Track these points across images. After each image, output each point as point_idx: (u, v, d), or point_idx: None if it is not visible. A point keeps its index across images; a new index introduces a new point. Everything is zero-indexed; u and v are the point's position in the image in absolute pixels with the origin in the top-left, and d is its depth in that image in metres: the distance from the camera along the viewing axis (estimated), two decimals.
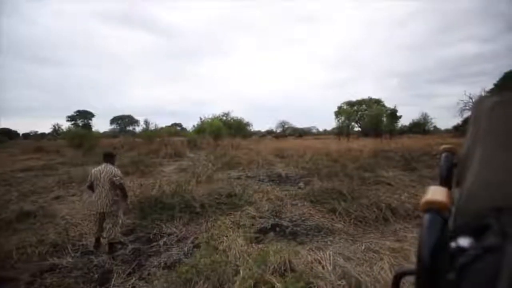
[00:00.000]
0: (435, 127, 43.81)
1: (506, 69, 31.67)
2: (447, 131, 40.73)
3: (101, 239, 3.85)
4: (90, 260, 3.48)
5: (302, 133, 48.24)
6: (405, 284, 0.85)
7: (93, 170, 3.84)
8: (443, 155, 1.14)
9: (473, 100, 29.11)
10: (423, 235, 0.50)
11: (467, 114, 30.20)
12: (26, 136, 50.68)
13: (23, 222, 4.71)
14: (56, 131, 41.07)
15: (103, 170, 3.74)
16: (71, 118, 55.97)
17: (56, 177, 8.63)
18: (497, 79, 31.93)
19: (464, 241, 0.50)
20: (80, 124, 52.78)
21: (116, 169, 3.84)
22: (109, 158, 3.92)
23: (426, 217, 0.52)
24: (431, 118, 42.00)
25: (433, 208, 0.52)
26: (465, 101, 30.39)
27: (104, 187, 3.68)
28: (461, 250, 0.48)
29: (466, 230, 0.53)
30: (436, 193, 0.57)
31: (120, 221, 4.46)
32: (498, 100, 0.62)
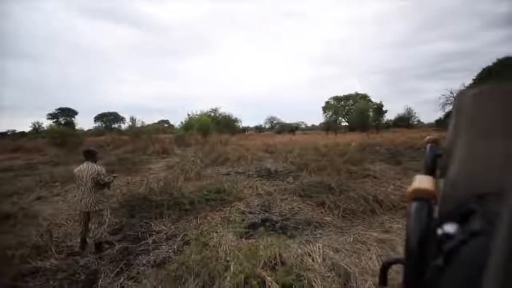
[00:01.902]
0: (418, 121, 45.33)
1: (484, 65, 33.01)
2: (430, 125, 42.16)
3: (87, 239, 3.74)
4: (76, 261, 3.37)
5: (294, 129, 48.34)
6: (390, 273, 0.87)
7: (75, 170, 3.70)
8: (428, 146, 1.17)
9: (454, 95, 30.21)
10: (411, 223, 0.50)
11: (448, 108, 31.35)
12: (3, 135, 48.26)
13: (2, 224, 4.50)
14: (37, 130, 39.46)
15: (85, 169, 3.61)
16: (52, 116, 53.76)
17: (38, 177, 8.29)
18: (476, 74, 33.25)
19: (449, 228, 0.50)
20: (62, 122, 50.87)
21: (99, 166, 3.72)
22: (90, 155, 3.78)
23: (414, 205, 0.52)
24: (415, 113, 43.45)
25: (421, 196, 0.53)
26: (446, 96, 31.49)
27: (87, 186, 3.56)
28: (447, 236, 0.49)
29: (451, 216, 0.54)
30: (422, 181, 0.58)
31: (107, 220, 4.35)
32: (478, 93, 0.63)
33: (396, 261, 0.94)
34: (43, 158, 13.79)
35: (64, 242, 3.89)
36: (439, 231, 0.51)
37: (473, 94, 0.65)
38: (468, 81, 33.45)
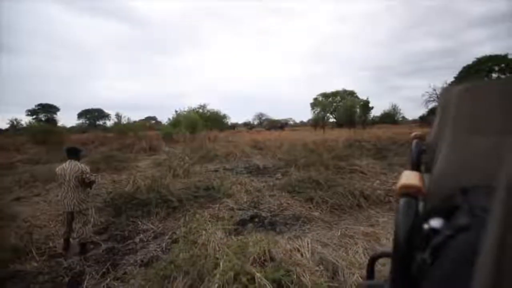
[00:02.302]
0: (403, 117, 46.78)
1: (464, 63, 34.45)
2: (414, 121, 43.56)
3: (71, 240, 3.62)
4: (59, 263, 3.26)
5: (283, 125, 48.82)
6: (377, 265, 0.90)
7: (57, 169, 3.57)
8: (414, 142, 1.19)
9: (437, 92, 31.34)
10: (400, 219, 0.51)
11: (431, 105, 32.50)
12: None
13: None
14: (15, 127, 37.81)
15: (68, 167, 3.48)
16: (31, 112, 51.48)
17: (17, 177, 7.93)
18: (457, 72, 34.65)
19: (435, 222, 0.51)
20: (43, 119, 48.89)
21: (82, 165, 3.60)
22: (73, 154, 3.65)
23: (402, 201, 0.53)
24: (400, 109, 44.82)
25: (409, 192, 0.53)
26: (429, 93, 32.62)
27: (70, 185, 3.44)
28: (433, 231, 0.50)
29: (437, 211, 0.55)
30: (410, 177, 0.58)
31: (92, 220, 4.23)
32: (464, 89, 0.64)
33: (383, 255, 0.95)
34: (23, 157, 13.20)
35: (45, 244, 3.74)
36: (425, 226, 0.52)
37: (458, 91, 0.65)
38: (450, 78, 34.90)
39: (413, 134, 1.26)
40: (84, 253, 3.47)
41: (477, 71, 31.96)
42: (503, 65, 31.54)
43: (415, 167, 1.07)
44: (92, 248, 3.64)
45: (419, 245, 0.49)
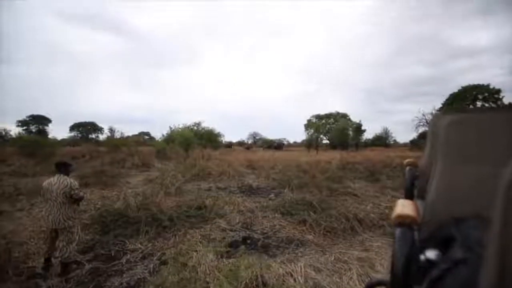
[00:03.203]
0: (395, 140, 47.82)
1: (450, 91, 36.15)
2: (405, 144, 44.51)
3: (52, 259, 3.44)
4: (38, 285, 3.07)
5: (281, 145, 49.17)
6: None
7: (44, 183, 3.46)
8: (407, 169, 1.22)
9: (426, 117, 32.39)
10: (396, 249, 0.52)
11: (421, 129, 33.47)
12: None
13: None
14: (3, 137, 36.98)
15: (55, 182, 3.38)
16: (22, 123, 50.63)
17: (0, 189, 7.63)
18: (444, 98, 36.26)
19: (431, 254, 0.52)
20: (34, 130, 48.07)
21: (71, 180, 3.50)
22: (62, 168, 3.55)
23: (398, 231, 0.54)
24: (391, 133, 45.94)
25: (404, 222, 0.55)
26: (419, 118, 33.74)
27: (56, 201, 3.32)
28: (429, 262, 0.51)
29: (432, 242, 0.56)
30: (405, 207, 0.60)
31: (77, 238, 4.05)
32: (454, 118, 0.67)
33: (379, 283, 0.94)
34: (9, 169, 12.78)
35: (25, 263, 3.54)
36: (422, 257, 0.53)
37: (448, 119, 0.67)
38: (438, 104, 36.33)
39: (406, 161, 1.30)
40: (65, 274, 3.28)
41: (463, 99, 33.49)
42: (486, 94, 33.17)
43: (409, 194, 1.09)
44: (75, 268, 3.45)
45: (416, 276, 0.50)
